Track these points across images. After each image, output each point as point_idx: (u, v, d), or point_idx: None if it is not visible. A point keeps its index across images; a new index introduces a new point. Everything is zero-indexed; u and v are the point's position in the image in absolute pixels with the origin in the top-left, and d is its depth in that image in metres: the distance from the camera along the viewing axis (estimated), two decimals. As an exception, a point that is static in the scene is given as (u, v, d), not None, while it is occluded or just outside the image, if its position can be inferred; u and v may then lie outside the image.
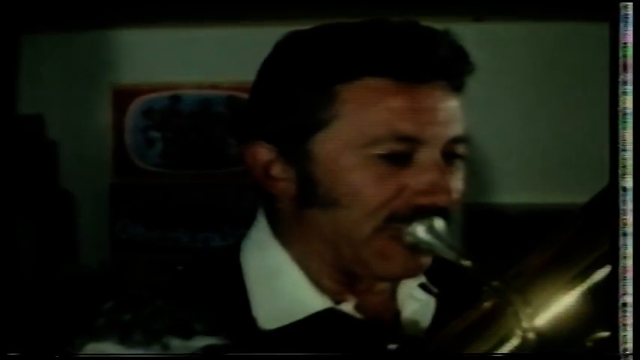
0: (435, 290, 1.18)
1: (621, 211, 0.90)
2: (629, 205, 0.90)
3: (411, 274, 1.13)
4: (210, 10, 2.74)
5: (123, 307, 1.13)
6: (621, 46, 0.90)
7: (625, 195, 0.90)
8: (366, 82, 1.06)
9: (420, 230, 1.05)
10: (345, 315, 1.12)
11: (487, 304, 0.97)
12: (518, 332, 0.92)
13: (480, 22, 2.85)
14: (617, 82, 0.90)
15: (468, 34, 1.10)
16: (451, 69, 1.08)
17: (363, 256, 1.09)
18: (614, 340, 0.91)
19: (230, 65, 2.81)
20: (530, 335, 0.92)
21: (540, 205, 2.76)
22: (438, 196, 1.06)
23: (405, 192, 1.06)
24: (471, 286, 1.18)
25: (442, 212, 1.06)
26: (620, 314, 0.90)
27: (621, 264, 0.90)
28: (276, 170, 1.11)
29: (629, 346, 0.90)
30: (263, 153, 1.11)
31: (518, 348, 0.93)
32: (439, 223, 1.05)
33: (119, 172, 2.92)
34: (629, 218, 0.90)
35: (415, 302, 1.17)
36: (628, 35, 0.90)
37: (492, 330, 0.96)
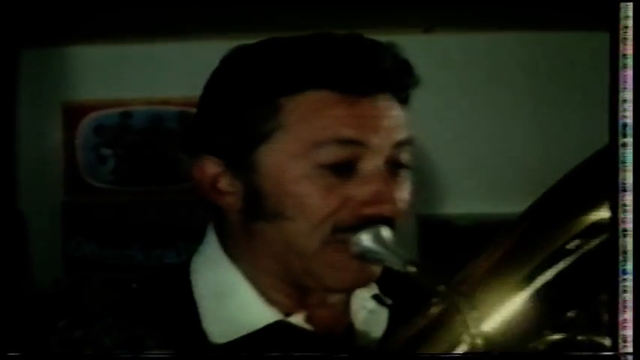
0: (388, 301, 1.19)
1: (621, 211, 0.90)
2: (629, 205, 0.90)
3: (361, 284, 1.13)
4: (160, 26, 2.74)
5: (74, 324, 1.13)
6: (621, 56, 0.90)
7: (625, 194, 0.90)
8: (309, 95, 1.06)
9: (365, 239, 1.05)
10: (295, 327, 1.12)
11: (434, 310, 0.97)
12: (466, 338, 0.92)
13: (430, 33, 2.87)
14: (617, 85, 0.90)
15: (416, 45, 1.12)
16: (395, 82, 1.08)
17: (313, 268, 1.08)
18: (614, 340, 0.91)
19: (180, 80, 2.80)
20: (478, 341, 0.92)
21: (492, 215, 2.78)
22: (382, 205, 1.06)
23: (350, 202, 1.06)
24: (423, 296, 1.19)
25: (388, 222, 1.06)
26: (620, 314, 0.90)
27: (621, 263, 0.90)
28: (223, 184, 1.10)
29: (629, 346, 0.90)
30: (210, 167, 1.11)
31: (466, 354, 0.93)
32: (385, 232, 1.05)
33: (71, 190, 2.90)
34: (629, 218, 0.90)
35: (368, 313, 1.17)
36: (628, 41, 0.91)
37: (440, 336, 0.96)
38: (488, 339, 0.92)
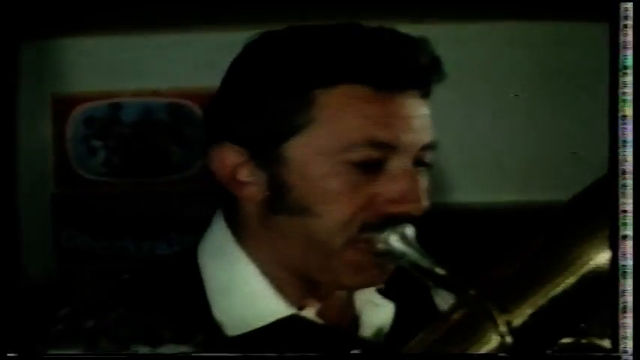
0: (394, 296, 1.18)
1: (621, 211, 0.91)
2: (629, 206, 0.91)
3: (375, 283, 1.13)
4: (149, 18, 2.74)
5: (83, 313, 1.12)
6: (621, 58, 0.91)
7: (625, 193, 0.92)
8: (343, 89, 1.04)
9: (393, 239, 1.04)
10: (307, 321, 1.11)
11: (460, 313, 0.95)
12: (495, 336, 0.92)
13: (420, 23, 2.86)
14: (617, 84, 0.91)
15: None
16: (427, 78, 1.07)
17: (333, 265, 1.07)
18: (614, 340, 0.92)
19: (170, 72, 2.81)
20: (508, 339, 0.91)
21: (493, 204, 2.79)
22: (409, 204, 1.05)
23: (377, 200, 1.05)
24: (427, 290, 1.18)
25: (412, 220, 1.06)
26: (620, 314, 0.91)
27: (621, 264, 0.91)
28: (244, 174, 1.08)
29: (629, 346, 0.91)
30: (232, 156, 1.08)
31: (494, 350, 0.92)
32: (410, 231, 1.05)
33: (62, 182, 2.90)
34: (629, 218, 0.91)
35: (374, 307, 1.17)
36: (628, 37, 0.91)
37: (468, 337, 0.94)
38: (518, 336, 0.91)
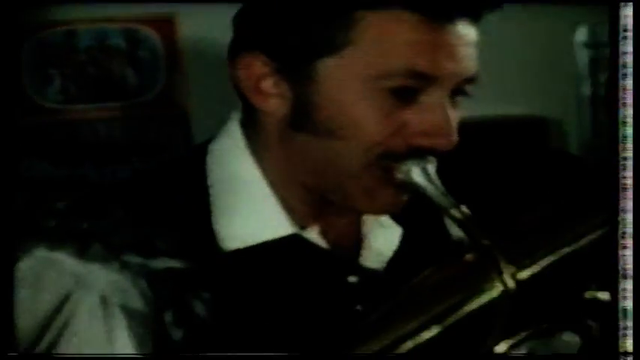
0: (402, 219, 1.16)
1: (621, 211, 0.92)
2: (629, 205, 0.92)
3: (390, 211, 1.11)
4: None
5: (79, 212, 1.10)
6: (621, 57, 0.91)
7: (625, 194, 0.93)
8: (392, 13, 0.99)
9: (414, 172, 1.01)
10: (308, 242, 1.10)
11: (469, 257, 0.95)
12: (498, 285, 0.92)
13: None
14: (617, 82, 0.91)
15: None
16: (479, 7, 1.03)
17: (349, 189, 1.05)
18: (614, 339, 0.93)
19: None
20: (511, 285, 0.91)
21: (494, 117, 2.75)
22: (438, 138, 1.02)
23: (406, 130, 1.02)
24: (438, 220, 1.15)
25: (437, 154, 1.03)
26: (620, 315, 0.92)
27: (621, 264, 0.92)
28: (269, 85, 1.05)
29: (629, 346, 0.92)
30: (258, 65, 1.05)
31: (496, 299, 0.92)
32: (431, 167, 1.02)
33: (20, 112, 2.87)
34: (629, 218, 0.92)
35: (381, 229, 1.15)
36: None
37: (471, 282, 0.93)
38: (522, 285, 0.91)
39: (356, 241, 1.15)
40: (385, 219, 1.16)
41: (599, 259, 0.95)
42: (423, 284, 0.96)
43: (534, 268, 0.92)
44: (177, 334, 1.06)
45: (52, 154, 2.85)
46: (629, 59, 0.92)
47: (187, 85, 2.70)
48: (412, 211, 1.13)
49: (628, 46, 0.92)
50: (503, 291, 0.91)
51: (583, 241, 0.94)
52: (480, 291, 0.92)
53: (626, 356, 0.92)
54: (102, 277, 1.05)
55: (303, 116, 1.04)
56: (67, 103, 2.87)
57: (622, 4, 0.92)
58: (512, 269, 0.91)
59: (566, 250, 0.94)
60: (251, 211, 1.08)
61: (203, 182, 1.11)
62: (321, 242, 1.11)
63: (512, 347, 0.96)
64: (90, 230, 1.06)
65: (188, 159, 1.16)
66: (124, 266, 1.05)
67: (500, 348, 0.95)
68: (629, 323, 0.92)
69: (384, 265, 1.15)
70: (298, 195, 1.10)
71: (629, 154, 0.92)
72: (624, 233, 0.91)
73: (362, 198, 1.06)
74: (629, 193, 0.91)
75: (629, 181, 0.91)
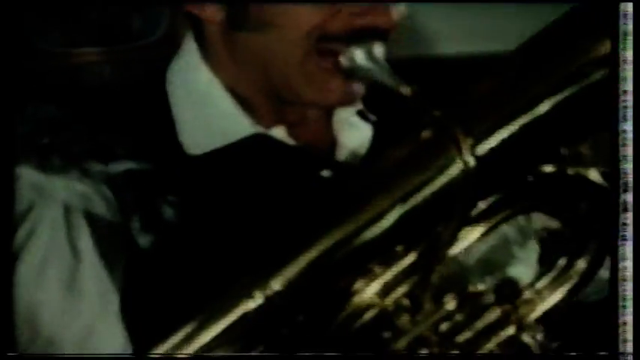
0: (372, 117, 1.17)
1: (621, 211, 0.91)
2: (629, 205, 0.91)
3: (344, 102, 1.12)
4: None
5: (41, 130, 1.11)
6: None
7: (625, 195, 0.91)
8: None
9: (358, 55, 1.02)
10: (276, 141, 1.11)
11: (426, 134, 0.91)
12: (459, 161, 0.88)
13: None
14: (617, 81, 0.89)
15: None
16: None
17: (293, 80, 1.08)
18: (614, 340, 0.92)
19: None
20: (471, 163, 0.88)
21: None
22: (377, 16, 1.03)
23: (342, 12, 1.03)
24: (409, 114, 1.15)
25: (381, 35, 1.03)
26: (620, 314, 0.92)
27: (621, 264, 0.92)
28: None
29: (629, 346, 0.92)
30: None
31: (457, 176, 0.89)
32: (378, 49, 1.02)
33: (21, 57, 2.86)
34: (629, 218, 0.91)
35: (352, 129, 1.17)
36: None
37: (431, 160, 0.90)
38: (481, 161, 0.88)
39: (330, 143, 1.19)
40: (355, 119, 1.19)
41: (570, 131, 0.91)
42: (384, 165, 0.95)
43: (493, 140, 0.89)
44: (145, 240, 1.06)
45: (57, 98, 2.84)
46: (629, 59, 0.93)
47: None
48: (381, 108, 1.17)
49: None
50: (462, 170, 0.88)
51: (544, 107, 0.89)
52: (439, 167, 0.90)
53: (626, 356, 0.93)
54: (62, 186, 1.06)
55: (238, 14, 1.08)
56: (70, 46, 2.87)
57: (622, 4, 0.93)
58: (470, 141, 0.88)
59: (526, 118, 0.90)
60: (212, 117, 1.13)
61: (165, 100, 1.16)
62: (290, 141, 1.11)
63: (485, 234, 0.93)
64: (50, 145, 1.08)
65: (146, 79, 1.22)
66: (85, 174, 1.07)
67: (473, 234, 0.92)
68: (629, 323, 0.93)
69: (359, 161, 1.18)
70: (257, 97, 1.13)
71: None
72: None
73: (308, 88, 1.08)
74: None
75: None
